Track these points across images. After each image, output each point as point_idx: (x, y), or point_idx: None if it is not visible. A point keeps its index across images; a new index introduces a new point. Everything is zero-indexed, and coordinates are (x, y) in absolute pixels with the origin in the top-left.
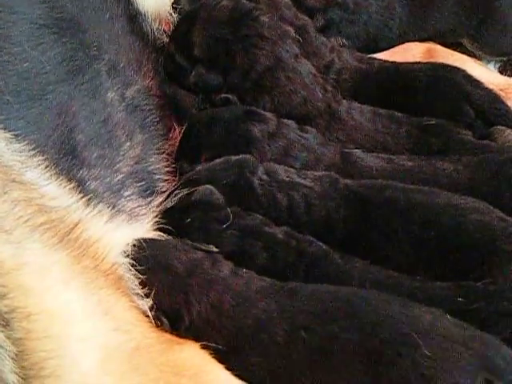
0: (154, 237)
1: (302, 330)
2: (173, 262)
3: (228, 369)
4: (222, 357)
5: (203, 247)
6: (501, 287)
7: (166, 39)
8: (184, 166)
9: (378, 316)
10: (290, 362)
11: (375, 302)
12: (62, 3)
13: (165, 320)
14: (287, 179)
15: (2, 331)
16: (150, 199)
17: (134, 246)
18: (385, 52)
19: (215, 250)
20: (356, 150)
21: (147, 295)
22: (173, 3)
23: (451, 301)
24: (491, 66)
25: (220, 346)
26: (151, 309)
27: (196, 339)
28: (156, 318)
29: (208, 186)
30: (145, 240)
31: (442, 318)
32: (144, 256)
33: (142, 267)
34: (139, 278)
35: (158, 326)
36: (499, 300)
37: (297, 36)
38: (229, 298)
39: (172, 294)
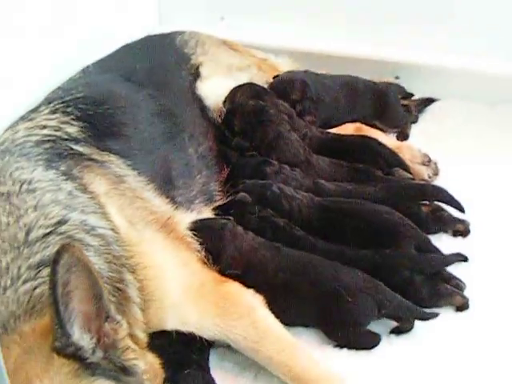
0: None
1: (280, 272)
2: (212, 224)
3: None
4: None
5: (225, 217)
6: (400, 253)
7: (219, 121)
8: (229, 188)
9: (320, 276)
10: (274, 288)
11: (320, 266)
12: (164, 101)
13: (210, 258)
14: (290, 193)
15: (131, 274)
16: (209, 205)
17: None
18: (334, 128)
19: (231, 218)
20: (322, 181)
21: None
22: (223, 102)
23: (373, 261)
24: (391, 135)
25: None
26: (206, 258)
27: (228, 269)
28: (206, 257)
29: (243, 193)
30: (198, 219)
31: (357, 277)
32: (199, 225)
33: (199, 233)
34: (199, 242)
35: (208, 261)
36: (399, 259)
37: (288, 120)
38: (245, 245)
39: (214, 241)
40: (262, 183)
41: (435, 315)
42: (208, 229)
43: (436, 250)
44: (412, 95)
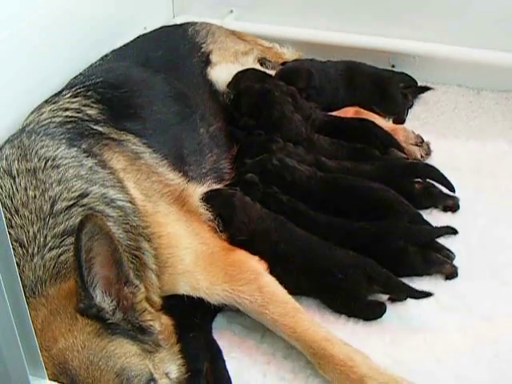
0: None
1: (282, 243)
2: (221, 191)
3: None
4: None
5: (232, 188)
6: (395, 225)
7: (228, 103)
8: (237, 165)
9: (315, 253)
10: (275, 257)
11: (315, 244)
12: (178, 85)
13: (221, 222)
14: (291, 164)
15: (147, 243)
16: (220, 182)
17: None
18: (335, 112)
19: (238, 189)
20: (323, 158)
21: (213, 219)
22: (227, 86)
23: (369, 233)
24: (388, 119)
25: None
26: (217, 226)
27: (237, 234)
28: (217, 222)
29: (251, 174)
30: (209, 190)
31: (348, 255)
32: (211, 194)
33: (210, 204)
34: (210, 212)
35: (218, 228)
36: (393, 230)
37: (292, 101)
38: (254, 213)
39: (226, 207)
40: (260, 159)
41: (427, 295)
42: (220, 196)
43: (427, 225)
44: (416, 83)
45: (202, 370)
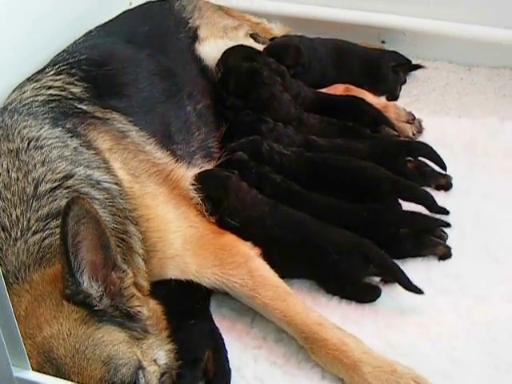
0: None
1: (276, 226)
2: (216, 173)
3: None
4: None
5: (229, 170)
6: (383, 208)
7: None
8: (225, 145)
9: (311, 233)
10: (271, 242)
11: (310, 226)
12: (165, 62)
13: (209, 204)
14: (278, 149)
15: (134, 226)
16: (208, 160)
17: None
18: (324, 88)
19: (236, 172)
20: (313, 137)
21: (203, 202)
22: (216, 65)
23: (359, 214)
24: (381, 96)
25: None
26: (206, 210)
27: (229, 219)
28: (205, 205)
29: (240, 152)
30: (203, 170)
31: (343, 234)
32: (204, 175)
33: (203, 182)
34: (199, 195)
35: (206, 210)
36: (383, 214)
37: (281, 80)
38: (248, 199)
39: (217, 189)
40: (252, 140)
41: (419, 291)
42: (213, 177)
43: (424, 195)
44: (409, 62)
45: (202, 359)
